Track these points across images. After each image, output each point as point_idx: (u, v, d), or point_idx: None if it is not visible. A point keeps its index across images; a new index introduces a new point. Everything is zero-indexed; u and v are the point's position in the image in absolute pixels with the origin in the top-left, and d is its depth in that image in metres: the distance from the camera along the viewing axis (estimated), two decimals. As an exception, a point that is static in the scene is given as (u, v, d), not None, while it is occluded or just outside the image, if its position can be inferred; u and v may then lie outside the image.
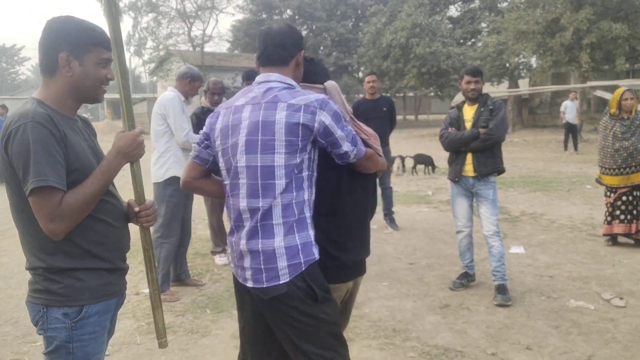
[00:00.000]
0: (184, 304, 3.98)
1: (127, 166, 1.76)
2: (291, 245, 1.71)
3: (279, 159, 1.70)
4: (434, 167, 11.06)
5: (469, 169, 4.02)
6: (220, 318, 3.69)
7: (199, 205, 5.43)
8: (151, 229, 1.90)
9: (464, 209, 4.17)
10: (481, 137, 3.91)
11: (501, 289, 3.91)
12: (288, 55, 1.84)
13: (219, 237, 5.05)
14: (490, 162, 3.96)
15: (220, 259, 5.00)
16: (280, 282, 1.71)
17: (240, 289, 1.88)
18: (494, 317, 3.64)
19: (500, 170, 4.04)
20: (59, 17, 1.65)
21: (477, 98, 4.02)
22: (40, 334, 1.62)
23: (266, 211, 1.71)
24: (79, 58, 1.62)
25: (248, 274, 1.77)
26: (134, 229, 1.86)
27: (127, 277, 1.85)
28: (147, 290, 4.17)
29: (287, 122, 1.70)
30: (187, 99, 4.20)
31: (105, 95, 1.74)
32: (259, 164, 1.72)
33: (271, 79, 1.82)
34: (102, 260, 1.66)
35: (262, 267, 1.72)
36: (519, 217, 6.74)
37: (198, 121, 4.75)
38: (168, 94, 4.10)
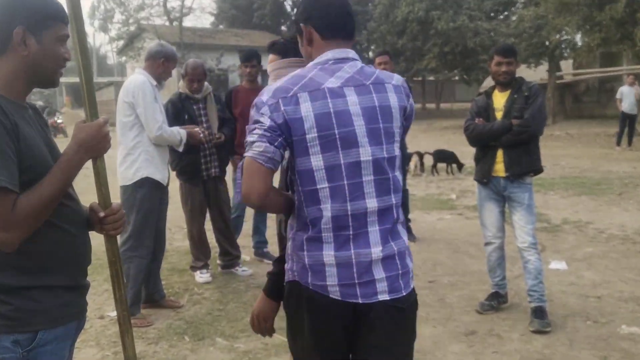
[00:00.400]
0: (158, 330, 3.99)
1: (89, 164, 1.76)
2: (407, 244, 1.90)
3: (397, 149, 1.85)
4: (459, 166, 11.02)
5: (499, 168, 4.03)
6: (200, 347, 3.70)
7: (175, 211, 5.44)
8: (118, 239, 1.90)
9: (494, 217, 4.18)
10: (514, 130, 3.92)
11: (539, 313, 3.92)
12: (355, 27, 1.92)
13: (200, 249, 5.07)
14: (525, 160, 3.97)
15: (201, 276, 5.01)
16: (412, 287, 1.87)
17: (332, 315, 1.81)
18: (530, 346, 3.63)
19: (537, 170, 4.06)
20: None
21: (510, 83, 4.03)
22: None
23: (397, 208, 1.85)
24: (37, 34, 1.63)
25: (382, 285, 1.79)
26: (97, 239, 1.86)
27: (89, 297, 1.85)
28: (113, 313, 4.18)
29: (399, 105, 1.84)
30: (159, 84, 4.22)
31: (64, 79, 1.79)
32: (385, 156, 1.81)
33: (350, 55, 1.86)
34: (60, 276, 1.66)
35: (400, 272, 1.83)
36: (560, 225, 6.77)
37: (175, 111, 4.79)
38: (136, 77, 4.12)
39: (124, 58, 37.08)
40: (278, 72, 2.04)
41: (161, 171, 4.15)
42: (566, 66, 25.78)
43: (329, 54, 1.84)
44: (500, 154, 4.02)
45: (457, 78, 33.37)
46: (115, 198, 1.85)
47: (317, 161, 1.76)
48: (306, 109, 1.75)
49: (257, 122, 1.77)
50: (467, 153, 4.46)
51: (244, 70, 5.36)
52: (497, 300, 4.25)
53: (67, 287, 1.68)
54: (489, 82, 21.32)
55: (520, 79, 4.08)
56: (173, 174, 4.77)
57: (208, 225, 5.20)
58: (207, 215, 5.13)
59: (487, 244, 4.25)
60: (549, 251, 5.69)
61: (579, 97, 25.55)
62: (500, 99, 4.08)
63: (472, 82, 30.45)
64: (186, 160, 4.80)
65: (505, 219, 4.24)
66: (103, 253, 2.01)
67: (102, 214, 1.77)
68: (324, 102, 1.76)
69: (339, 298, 1.77)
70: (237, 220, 5.48)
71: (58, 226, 1.66)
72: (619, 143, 14.92)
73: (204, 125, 4.84)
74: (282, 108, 1.75)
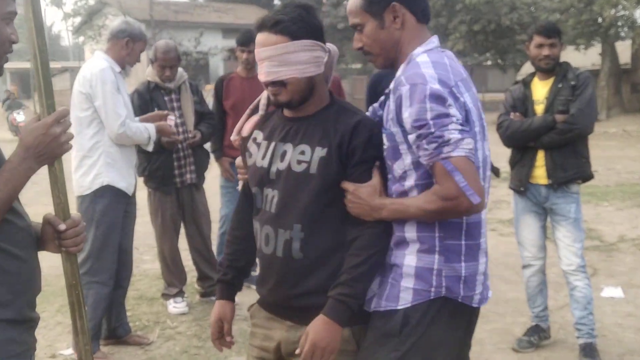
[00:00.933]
0: (122, 372, 3.98)
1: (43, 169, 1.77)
2: None
3: None
4: (495, 170, 10.86)
5: (540, 174, 4.05)
6: (174, 392, 3.70)
7: (143, 227, 5.46)
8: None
9: (533, 233, 4.19)
10: (558, 127, 3.93)
11: (588, 350, 3.92)
12: None
13: (174, 273, 5.07)
14: (571, 164, 3.99)
15: (175, 306, 5.01)
16: None
17: (473, 324, 2.26)
18: (578, 392, 3.66)
19: (587, 176, 4.08)
20: None
21: (553, 69, 4.04)
22: None
23: None
24: None
25: (489, 284, 2.25)
26: (47, 260, 1.87)
27: (38, 332, 1.86)
28: (67, 351, 4.18)
29: None
30: (124, 70, 4.25)
31: (9, 65, 1.80)
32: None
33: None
34: (4, 309, 1.66)
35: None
36: (615, 244, 6.75)
37: (142, 103, 4.83)
38: (96, 63, 4.14)
39: (81, 39, 37.19)
40: (284, 58, 2.04)
41: (126, 177, 4.15)
42: (623, 48, 25.77)
43: (435, 41, 2.11)
44: (540, 156, 4.04)
45: (489, 63, 33.30)
46: (72, 210, 1.84)
47: (479, 156, 2.07)
48: (467, 100, 2.03)
49: (446, 115, 1.93)
50: (501, 155, 4.47)
51: (240, 55, 5.35)
52: (537, 336, 4.25)
53: (12, 321, 1.69)
54: (528, 68, 21.31)
55: (565, 65, 4.09)
56: (140, 180, 4.79)
57: (184, 244, 5.21)
58: (182, 231, 5.15)
59: (525, 266, 4.26)
60: (602, 275, 5.68)
61: (638, 86, 25.55)
62: (541, 90, 4.10)
63: (507, 68, 30.41)
64: (156, 164, 4.83)
65: (547, 236, 4.24)
66: (55, 277, 2.02)
67: (62, 227, 1.77)
68: (473, 92, 2.09)
69: (477, 305, 2.14)
70: (224, 238, 5.49)
71: (2, 249, 1.66)
72: None
73: (178, 121, 4.87)
74: (461, 99, 2.00)
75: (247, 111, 2.45)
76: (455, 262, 2.05)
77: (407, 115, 1.96)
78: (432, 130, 1.91)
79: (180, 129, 4.88)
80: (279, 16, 2.05)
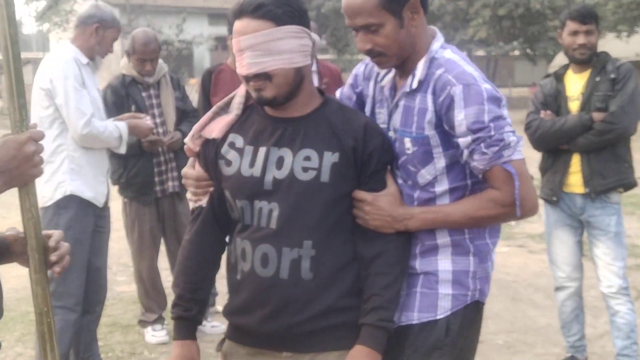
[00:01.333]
0: (92, 411, 3.97)
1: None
2: None
3: None
4: None
5: (575, 181, 4.06)
6: None
7: (117, 243, 5.45)
8: None
9: (568, 250, 4.20)
10: (596, 127, 3.93)
11: (632, 386, 3.92)
12: None
13: (153, 296, 5.06)
14: (611, 170, 4.00)
15: (154, 334, 5.00)
16: None
17: None
18: None
19: (629, 184, 4.09)
20: None
21: (590, 60, 4.06)
22: None
23: None
24: None
25: None
26: (7, 282, 1.88)
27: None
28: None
29: None
30: (93, 61, 4.24)
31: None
32: None
33: None
34: None
35: None
36: (663, 262, 6.72)
37: (117, 99, 4.84)
38: (59, 54, 4.14)
39: (46, 26, 37.20)
40: (269, 46, 2.04)
41: (93, 186, 4.13)
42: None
43: (441, 37, 2.26)
44: (576, 161, 4.05)
45: (517, 53, 33.33)
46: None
47: None
48: None
49: (502, 117, 2.10)
50: (531, 160, 4.43)
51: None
52: (573, 369, 4.22)
53: None
54: (561, 59, 21.21)
55: (604, 56, 4.10)
56: (115, 189, 4.79)
57: (164, 262, 5.19)
58: (163, 248, 5.16)
59: (558, 288, 4.27)
60: (648, 298, 5.67)
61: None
62: (575, 84, 4.11)
63: (538, 58, 30.41)
64: (133, 170, 4.83)
65: (584, 253, 4.25)
66: (15, 302, 2.03)
67: (53, 258, 1.82)
68: None
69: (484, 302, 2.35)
70: None
71: None
72: None
73: (157, 119, 4.88)
74: (503, 101, 2.15)
75: (212, 110, 2.34)
76: (485, 263, 2.28)
77: (463, 117, 2.06)
78: (492, 133, 2.05)
79: (160, 130, 4.88)
80: (260, 0, 2.03)
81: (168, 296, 5.15)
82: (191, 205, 2.29)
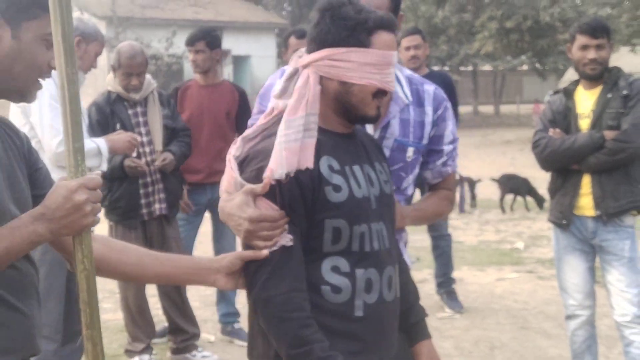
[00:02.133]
0: None
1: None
2: None
3: None
4: (539, 200, 10.15)
5: (586, 203, 3.79)
6: None
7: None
8: None
9: (579, 277, 3.91)
10: (608, 146, 3.67)
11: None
12: None
13: (140, 325, 4.73)
14: (624, 192, 3.73)
15: (142, 366, 4.80)
16: None
17: None
18: None
19: (643, 206, 3.81)
20: None
21: (601, 76, 3.78)
22: None
23: None
24: (14, 25, 1.70)
25: None
26: None
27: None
28: None
29: None
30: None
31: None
32: None
33: None
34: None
35: None
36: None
37: (101, 118, 4.52)
38: None
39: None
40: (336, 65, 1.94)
41: None
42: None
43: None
44: (586, 182, 3.80)
45: (525, 68, 32.76)
46: None
47: None
48: None
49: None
50: (540, 180, 4.33)
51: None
52: (586, 404, 4.05)
53: None
54: (572, 75, 20.23)
55: (616, 71, 3.82)
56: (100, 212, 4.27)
57: (152, 289, 5.03)
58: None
59: (569, 317, 3.98)
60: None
61: None
62: (586, 101, 3.85)
63: (547, 74, 29.86)
64: (118, 192, 4.53)
65: (596, 279, 4.01)
66: None
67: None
68: None
69: None
70: None
71: (3, 301, 1.70)
72: None
73: (144, 139, 4.55)
74: None
75: (264, 135, 2.00)
76: None
77: (450, 129, 2.40)
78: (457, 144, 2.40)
79: (147, 149, 4.57)
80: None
81: (156, 324, 4.98)
82: (264, 252, 1.87)
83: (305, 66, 1.96)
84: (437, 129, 2.35)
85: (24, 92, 1.77)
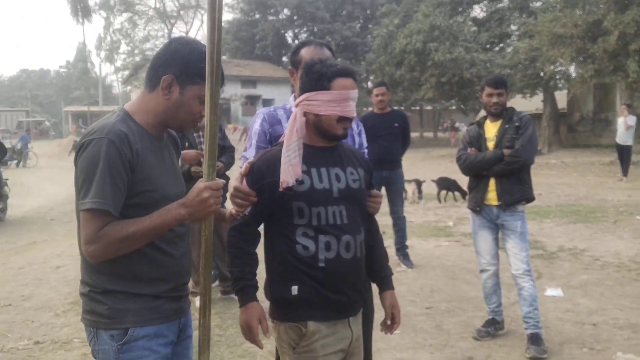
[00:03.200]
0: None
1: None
2: None
3: None
4: (463, 193, 10.84)
5: (492, 196, 4.05)
6: None
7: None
8: None
9: (487, 244, 4.18)
10: (506, 160, 3.94)
11: (535, 339, 3.89)
12: None
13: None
14: (516, 189, 3.99)
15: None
16: None
17: None
18: (526, 373, 3.61)
19: (529, 198, 4.08)
20: (185, 39, 1.88)
21: (501, 113, 4.05)
22: (94, 357, 1.82)
23: None
24: (182, 86, 1.81)
25: None
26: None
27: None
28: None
29: None
30: None
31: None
32: None
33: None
34: (151, 287, 1.81)
35: None
36: (555, 253, 6.73)
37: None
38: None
39: (128, 87, 37.39)
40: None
41: None
42: (561, 96, 25.95)
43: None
44: (492, 183, 4.03)
45: (454, 107, 33.64)
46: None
47: None
48: None
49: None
50: (465, 180, 4.52)
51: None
52: (493, 327, 4.22)
53: (155, 296, 1.82)
54: (483, 112, 21.16)
55: (511, 110, 4.09)
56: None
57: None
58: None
59: (482, 271, 4.24)
60: (545, 278, 5.65)
61: (573, 126, 25.69)
62: (491, 129, 4.09)
63: (468, 111, 30.71)
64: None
65: (499, 246, 4.23)
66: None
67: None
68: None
69: None
70: None
71: (158, 248, 1.80)
72: (625, 174, 14.31)
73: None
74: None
75: (254, 152, 2.47)
76: None
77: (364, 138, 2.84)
78: None
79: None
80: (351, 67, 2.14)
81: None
82: (233, 211, 2.11)
83: (295, 106, 2.12)
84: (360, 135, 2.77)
85: (180, 127, 1.88)
